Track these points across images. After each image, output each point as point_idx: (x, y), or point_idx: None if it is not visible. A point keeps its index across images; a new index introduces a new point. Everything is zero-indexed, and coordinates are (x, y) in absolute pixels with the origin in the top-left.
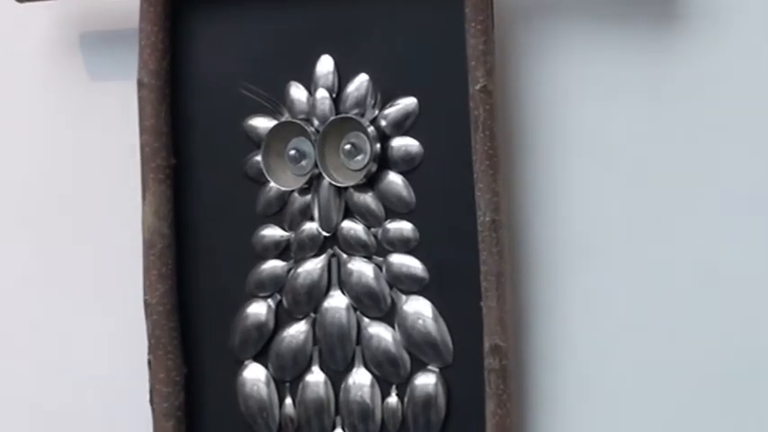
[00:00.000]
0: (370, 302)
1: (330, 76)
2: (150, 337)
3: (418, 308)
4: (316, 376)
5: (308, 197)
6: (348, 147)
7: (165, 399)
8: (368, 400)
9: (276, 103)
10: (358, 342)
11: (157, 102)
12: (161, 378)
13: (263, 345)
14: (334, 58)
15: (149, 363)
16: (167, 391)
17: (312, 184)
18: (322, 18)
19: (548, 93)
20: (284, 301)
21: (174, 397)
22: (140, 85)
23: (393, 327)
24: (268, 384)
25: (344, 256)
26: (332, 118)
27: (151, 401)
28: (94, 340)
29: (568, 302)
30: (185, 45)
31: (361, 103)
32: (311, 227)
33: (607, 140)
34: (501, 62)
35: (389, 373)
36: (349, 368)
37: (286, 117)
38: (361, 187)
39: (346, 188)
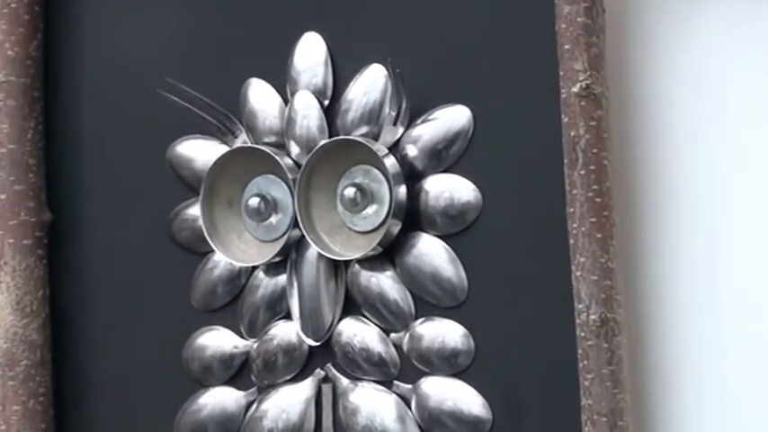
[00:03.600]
0: None
1: (319, 70)
2: None
3: None
4: None
5: (282, 279)
6: (351, 192)
7: None
8: None
9: (225, 115)
10: None
11: (20, 114)
12: None
13: None
14: (325, 39)
15: None
16: None
17: (289, 255)
18: None
19: (693, 100)
20: None
21: None
22: None
23: None
24: None
25: (345, 380)
26: (323, 142)
27: None
28: None
29: None
30: (68, 18)
31: (373, 117)
32: (286, 331)
33: None
34: (614, 48)
35: None
36: None
37: (242, 140)
38: (373, 262)
39: (348, 263)
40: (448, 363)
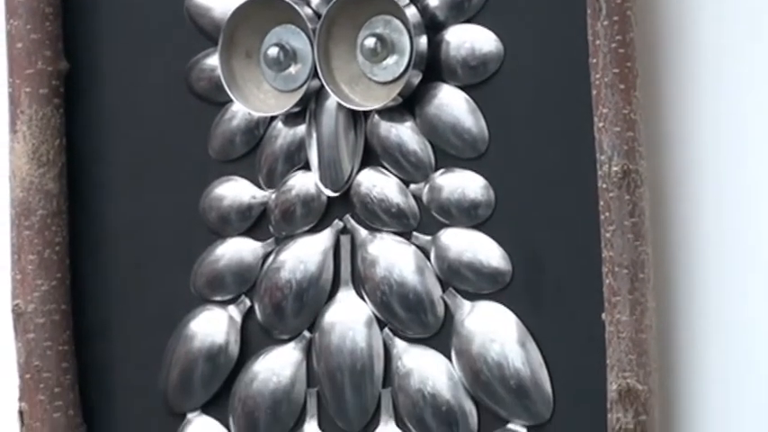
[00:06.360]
0: (407, 313)
1: None
2: (23, 370)
3: (492, 324)
4: None
5: (301, 129)
6: (371, 42)
7: None
8: None
9: None
10: (386, 382)
11: None
12: None
13: (219, 386)
14: None
15: (20, 415)
16: None
17: (308, 106)
18: None
19: None
20: (258, 310)
21: None
22: None
23: (449, 356)
24: None
25: (363, 232)
26: None
27: None
28: None
29: (751, 313)
30: None
31: None
32: (305, 181)
33: None
34: None
35: None
36: (370, 427)
37: None
38: (393, 113)
39: (368, 114)
40: (467, 214)
